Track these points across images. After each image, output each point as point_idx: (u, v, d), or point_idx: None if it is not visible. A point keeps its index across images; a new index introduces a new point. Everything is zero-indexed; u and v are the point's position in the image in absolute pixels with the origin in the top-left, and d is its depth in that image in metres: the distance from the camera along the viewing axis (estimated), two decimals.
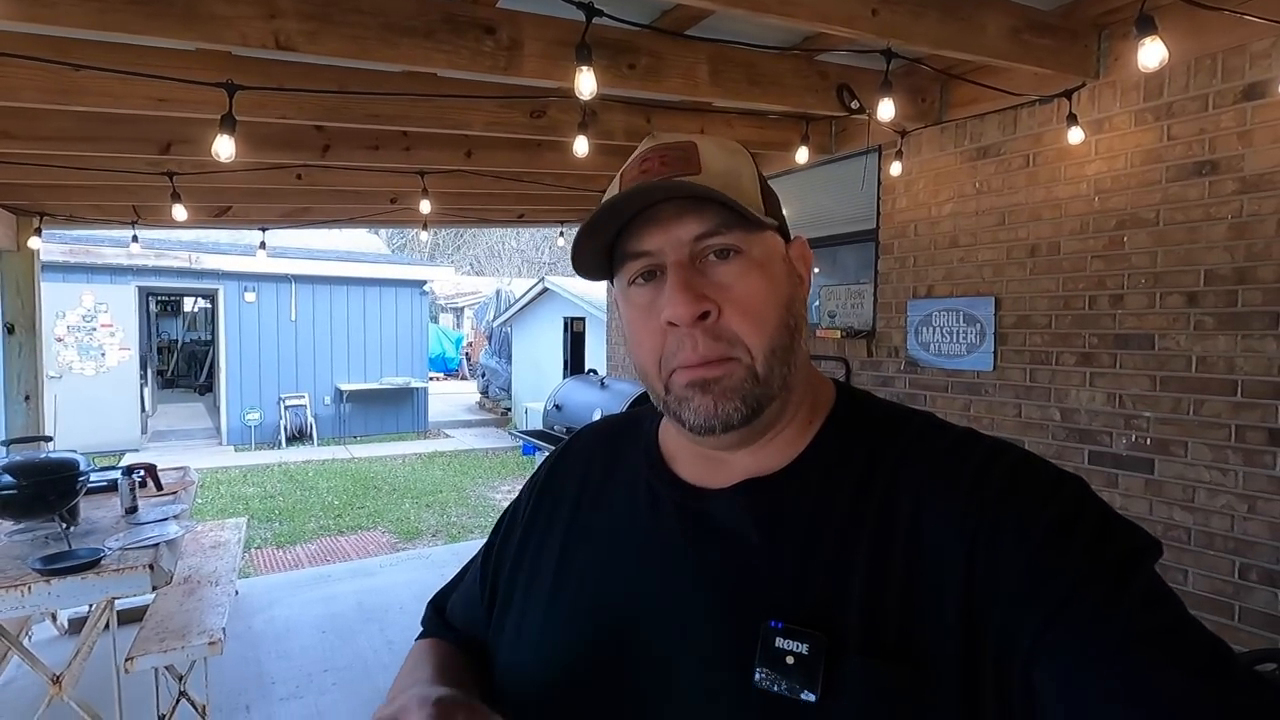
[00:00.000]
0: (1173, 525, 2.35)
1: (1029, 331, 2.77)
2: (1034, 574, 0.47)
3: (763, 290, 0.56)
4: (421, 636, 0.78)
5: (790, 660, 0.49)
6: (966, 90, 2.84)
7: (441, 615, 0.78)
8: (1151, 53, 1.55)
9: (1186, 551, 2.32)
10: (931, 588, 0.49)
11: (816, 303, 3.86)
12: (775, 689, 0.49)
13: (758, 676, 0.50)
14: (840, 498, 0.55)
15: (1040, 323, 2.73)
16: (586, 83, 1.61)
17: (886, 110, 2.10)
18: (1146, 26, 1.53)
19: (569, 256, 0.61)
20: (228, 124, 1.89)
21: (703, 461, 0.62)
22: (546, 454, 0.79)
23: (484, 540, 0.79)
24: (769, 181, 0.65)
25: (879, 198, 3.41)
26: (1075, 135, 2.45)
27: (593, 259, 0.60)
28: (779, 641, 0.50)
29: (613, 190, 0.60)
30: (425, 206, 3.46)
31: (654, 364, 0.57)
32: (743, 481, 0.59)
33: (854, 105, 2.68)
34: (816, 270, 4.02)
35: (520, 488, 0.78)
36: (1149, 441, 2.42)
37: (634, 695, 0.55)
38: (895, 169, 3.14)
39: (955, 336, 3.03)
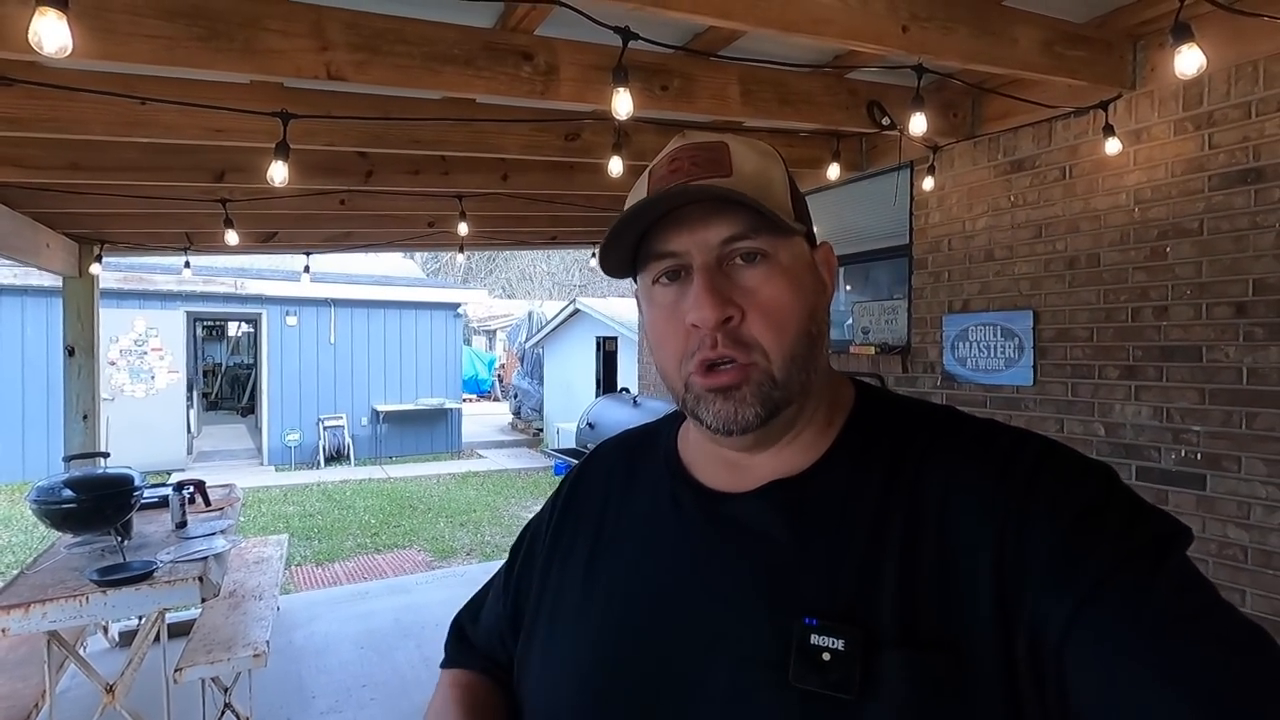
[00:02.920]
0: (1228, 543, 2.27)
1: (1070, 345, 2.72)
2: (1065, 559, 0.47)
3: (788, 297, 0.56)
4: (446, 662, 0.78)
5: (826, 657, 0.49)
6: (999, 104, 2.83)
7: (465, 638, 0.78)
8: (1189, 60, 1.54)
9: (1243, 570, 2.24)
10: (964, 577, 0.49)
11: (849, 320, 3.84)
12: (813, 686, 0.49)
13: (794, 675, 0.49)
14: (867, 492, 0.55)
15: (1081, 336, 2.68)
16: (623, 103, 1.66)
17: (918, 125, 2.12)
18: (1183, 34, 1.53)
19: (600, 265, 0.63)
20: (282, 151, 1.99)
21: (724, 467, 0.62)
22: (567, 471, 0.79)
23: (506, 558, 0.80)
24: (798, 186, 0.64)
25: (911, 213, 3.40)
26: (1113, 146, 2.42)
27: (620, 257, 0.60)
28: (814, 639, 0.50)
29: (640, 187, 0.60)
30: (463, 229, 3.55)
31: (675, 365, 0.58)
32: (768, 483, 0.59)
33: (885, 122, 2.69)
34: (849, 287, 4.00)
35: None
36: (1199, 456, 2.35)
37: (669, 701, 0.54)
38: (928, 184, 3.14)
39: (993, 351, 2.99)
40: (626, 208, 0.58)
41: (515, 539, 0.78)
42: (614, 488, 0.69)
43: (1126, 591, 0.45)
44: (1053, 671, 0.45)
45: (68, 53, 1.13)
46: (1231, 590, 2.26)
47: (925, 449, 0.56)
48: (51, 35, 1.08)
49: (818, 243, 0.63)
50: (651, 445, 0.70)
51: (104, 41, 1.56)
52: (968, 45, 2.03)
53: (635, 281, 0.62)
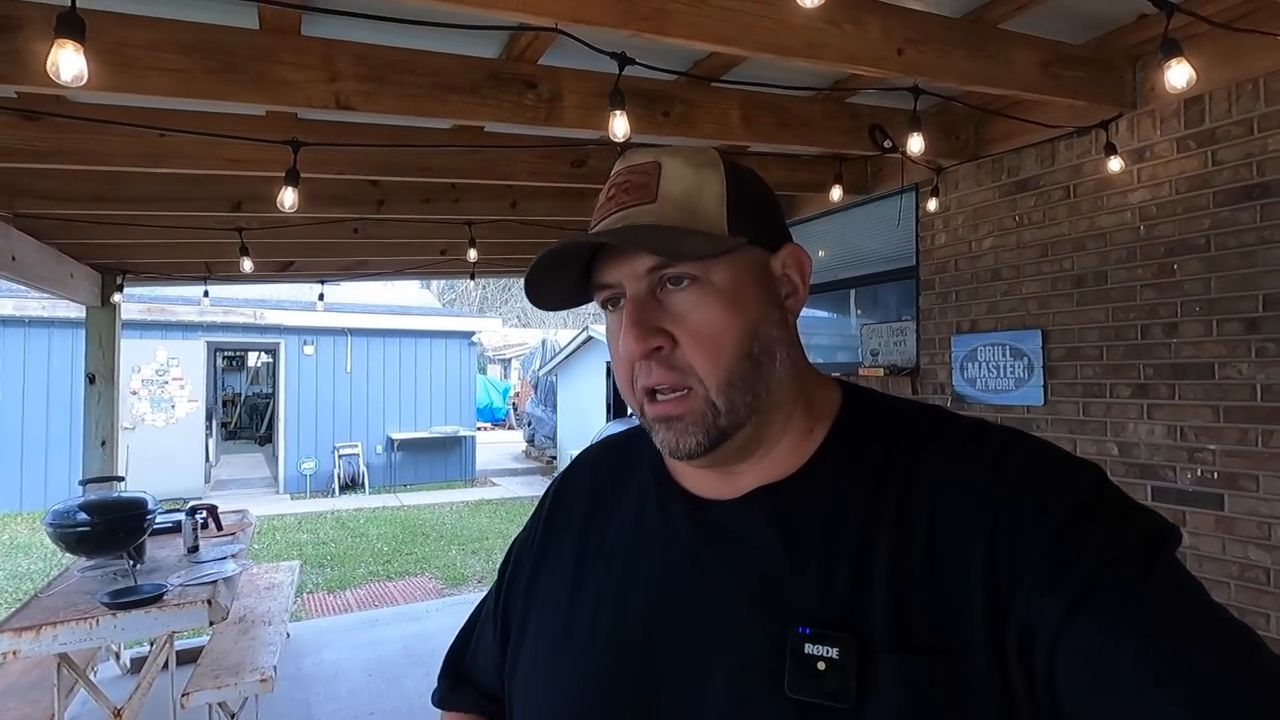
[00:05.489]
0: (1249, 565, 2.21)
1: (1080, 364, 2.69)
2: (1055, 561, 0.46)
3: (719, 320, 0.54)
4: (440, 700, 0.76)
5: (821, 666, 0.48)
6: (1001, 125, 2.85)
7: (459, 671, 0.76)
8: (1178, 74, 1.55)
9: (1267, 593, 2.17)
10: (956, 578, 0.49)
11: (859, 345, 3.83)
12: (808, 696, 0.48)
13: (789, 685, 0.49)
14: (857, 496, 0.55)
15: (1091, 354, 2.65)
16: (620, 126, 1.71)
17: (916, 145, 2.14)
18: (1171, 49, 1.54)
19: (529, 300, 0.62)
20: (292, 177, 2.05)
21: (710, 474, 0.61)
22: (550, 480, 0.78)
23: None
24: (774, 194, 0.63)
25: (918, 234, 3.41)
26: (1114, 165, 2.43)
27: (559, 294, 0.60)
28: (808, 647, 0.49)
29: (597, 211, 0.61)
30: (472, 255, 3.61)
31: (628, 388, 0.58)
32: (756, 489, 0.58)
33: (886, 144, 2.72)
34: (859, 311, 4.00)
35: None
36: (1216, 476, 2.30)
37: (665, 713, 0.53)
38: (932, 205, 3.15)
39: (1002, 371, 2.96)
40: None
41: (503, 557, 0.76)
42: (599, 496, 0.68)
43: (1117, 592, 0.45)
44: (1043, 671, 0.45)
45: (83, 81, 1.19)
46: (1256, 615, 2.19)
47: (915, 449, 0.55)
48: (68, 65, 1.14)
49: (788, 242, 0.60)
50: (636, 451, 0.69)
51: (123, 75, 1.63)
52: (964, 67, 2.06)
53: None
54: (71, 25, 1.14)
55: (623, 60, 1.74)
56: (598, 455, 0.74)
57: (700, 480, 0.61)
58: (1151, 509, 0.50)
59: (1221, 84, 2.26)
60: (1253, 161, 2.21)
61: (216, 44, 1.74)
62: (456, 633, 0.79)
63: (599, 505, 0.67)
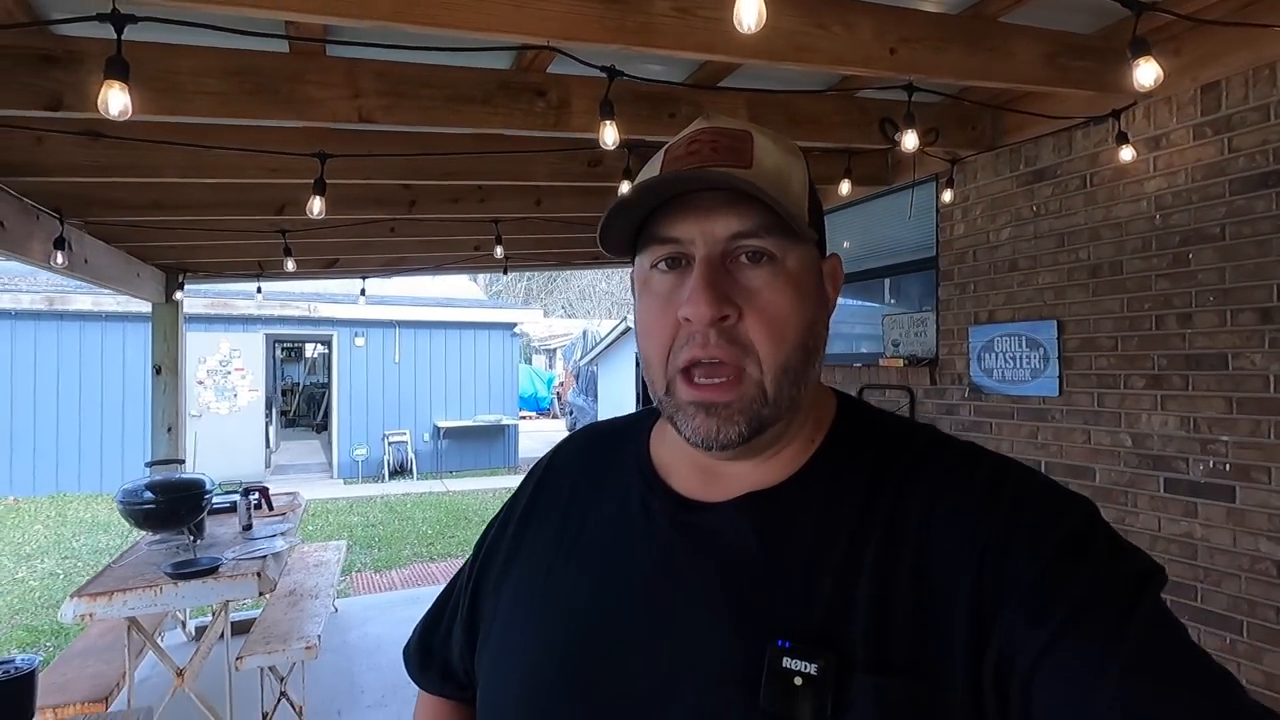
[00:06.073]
0: (1260, 557, 2.19)
1: (1095, 354, 2.68)
2: (1042, 591, 0.46)
3: (789, 304, 0.53)
4: (416, 677, 0.75)
5: (798, 681, 0.47)
6: (1017, 116, 2.84)
7: (429, 646, 0.74)
8: (1146, 72, 1.56)
9: (1276, 586, 2.15)
10: (941, 600, 0.48)
11: (880, 332, 3.85)
12: (783, 711, 0.47)
13: (764, 698, 0.48)
14: (846, 511, 0.54)
15: (1106, 345, 2.64)
16: (610, 134, 1.81)
17: (910, 141, 2.17)
18: (1140, 48, 1.56)
19: (599, 242, 0.58)
20: (319, 187, 2.23)
21: (700, 474, 0.59)
22: (533, 465, 0.75)
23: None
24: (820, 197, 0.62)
25: (937, 225, 3.41)
26: (1126, 154, 2.40)
27: (622, 236, 0.56)
28: (786, 661, 0.48)
29: (653, 165, 0.57)
30: (499, 251, 3.78)
31: (661, 358, 0.55)
32: (744, 495, 0.57)
33: (897, 137, 2.74)
34: (892, 300, 4.01)
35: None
36: (1228, 467, 2.27)
37: (631, 717, 0.52)
38: (947, 196, 3.16)
39: (1019, 361, 2.96)
40: (636, 183, 0.56)
41: (479, 535, 0.73)
42: (580, 488, 0.66)
43: (1101, 627, 0.45)
44: (1019, 699, 0.45)
45: (128, 115, 1.37)
46: (1266, 608, 2.17)
47: (907, 469, 0.55)
48: (115, 101, 1.32)
49: (827, 253, 0.60)
50: (622, 444, 0.67)
51: (171, 99, 1.83)
52: (962, 62, 2.08)
53: (634, 263, 0.59)
54: (118, 67, 1.31)
55: (612, 73, 1.84)
56: (582, 443, 0.73)
57: (688, 481, 0.60)
58: (1139, 549, 0.50)
59: (1238, 70, 2.22)
60: (1269, 148, 2.17)
61: (251, 68, 1.91)
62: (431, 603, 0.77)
63: (579, 497, 0.66)
